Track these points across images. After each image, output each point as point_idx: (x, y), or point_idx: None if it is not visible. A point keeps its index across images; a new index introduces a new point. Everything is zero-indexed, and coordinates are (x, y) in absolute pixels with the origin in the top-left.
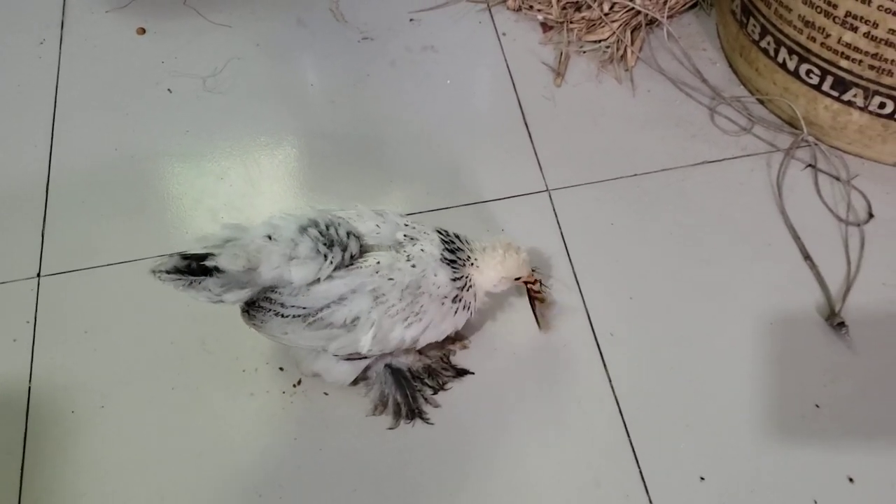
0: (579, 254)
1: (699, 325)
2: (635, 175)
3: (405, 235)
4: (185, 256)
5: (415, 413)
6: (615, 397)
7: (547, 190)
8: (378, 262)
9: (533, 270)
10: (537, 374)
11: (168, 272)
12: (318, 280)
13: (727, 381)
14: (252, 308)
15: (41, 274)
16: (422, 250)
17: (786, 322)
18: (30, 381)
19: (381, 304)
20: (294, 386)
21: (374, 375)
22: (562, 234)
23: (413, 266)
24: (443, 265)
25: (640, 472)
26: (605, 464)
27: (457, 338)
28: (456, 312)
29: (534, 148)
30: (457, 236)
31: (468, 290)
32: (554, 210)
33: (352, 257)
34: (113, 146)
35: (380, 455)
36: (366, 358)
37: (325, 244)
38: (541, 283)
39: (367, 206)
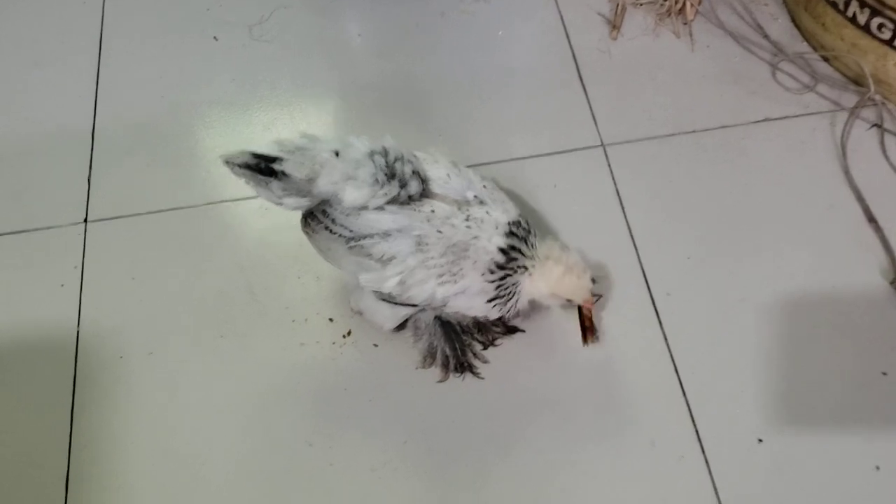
0: (635, 211)
1: (758, 286)
2: (694, 132)
3: (475, 196)
4: (256, 155)
5: (464, 367)
6: (671, 357)
7: (602, 145)
8: (433, 211)
9: (594, 296)
10: None
11: (239, 165)
12: (367, 207)
13: (787, 343)
14: (310, 216)
15: (88, 220)
16: (487, 213)
17: (848, 285)
18: (78, 326)
19: (421, 251)
20: (344, 337)
21: (422, 326)
22: (617, 190)
23: (468, 227)
24: (499, 247)
25: (697, 433)
26: (659, 424)
27: None
28: (493, 303)
29: (588, 102)
30: (529, 232)
31: (511, 298)
32: (609, 166)
33: (410, 198)
34: (158, 94)
35: (429, 408)
36: (406, 306)
37: (385, 174)
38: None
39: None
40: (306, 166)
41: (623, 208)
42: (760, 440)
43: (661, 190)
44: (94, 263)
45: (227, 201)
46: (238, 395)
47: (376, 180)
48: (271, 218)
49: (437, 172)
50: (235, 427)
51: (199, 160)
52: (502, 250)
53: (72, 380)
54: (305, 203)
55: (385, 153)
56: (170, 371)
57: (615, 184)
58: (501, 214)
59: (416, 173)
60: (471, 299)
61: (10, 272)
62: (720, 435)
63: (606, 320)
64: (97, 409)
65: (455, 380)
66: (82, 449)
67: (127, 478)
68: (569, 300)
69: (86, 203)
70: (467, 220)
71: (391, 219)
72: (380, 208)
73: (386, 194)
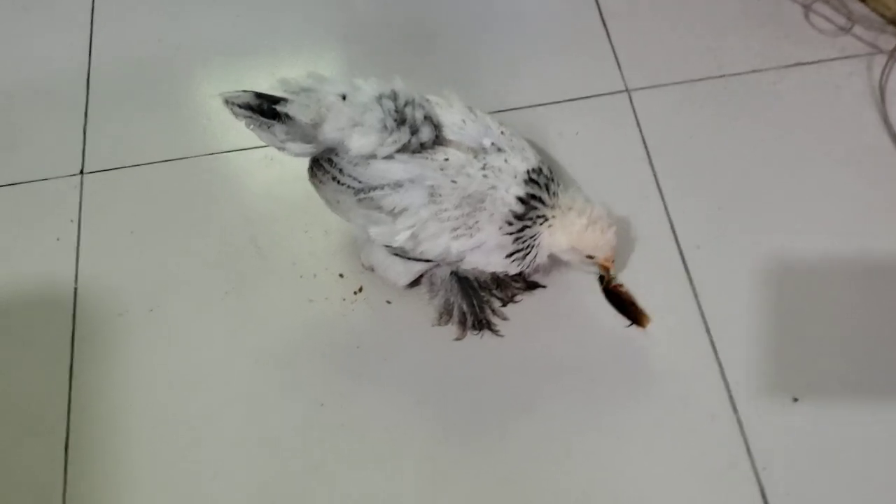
0: (662, 160)
1: (792, 238)
2: (723, 76)
3: (493, 143)
4: (258, 95)
5: (482, 324)
6: (701, 312)
7: (626, 90)
8: (446, 159)
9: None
10: None
11: (240, 106)
12: (376, 156)
13: (824, 298)
14: (316, 165)
15: (84, 171)
16: (505, 161)
17: (888, 236)
18: (76, 282)
19: (434, 203)
20: (355, 293)
21: (438, 282)
22: (643, 137)
23: (484, 176)
24: (518, 197)
25: (728, 391)
26: (689, 381)
27: None
28: (511, 258)
29: (611, 44)
30: (551, 180)
31: (530, 252)
32: (634, 112)
33: (422, 145)
34: (156, 37)
35: (446, 367)
36: (420, 261)
37: (395, 120)
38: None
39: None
40: (312, 109)
41: (649, 157)
42: (796, 399)
43: (689, 138)
44: (91, 217)
45: (230, 151)
46: (244, 353)
47: (385, 126)
48: (277, 168)
49: (452, 118)
50: (241, 387)
51: (200, 107)
52: (521, 200)
53: (70, 338)
54: (310, 150)
55: (394, 97)
56: (172, 329)
57: (640, 131)
58: (521, 162)
59: (428, 118)
60: (487, 255)
61: (3, 226)
62: (753, 394)
63: (633, 275)
64: (97, 368)
65: (473, 338)
66: (82, 410)
67: (128, 439)
68: (589, 256)
69: (82, 154)
70: (484, 168)
71: (402, 168)
72: (389, 157)
73: (395, 141)
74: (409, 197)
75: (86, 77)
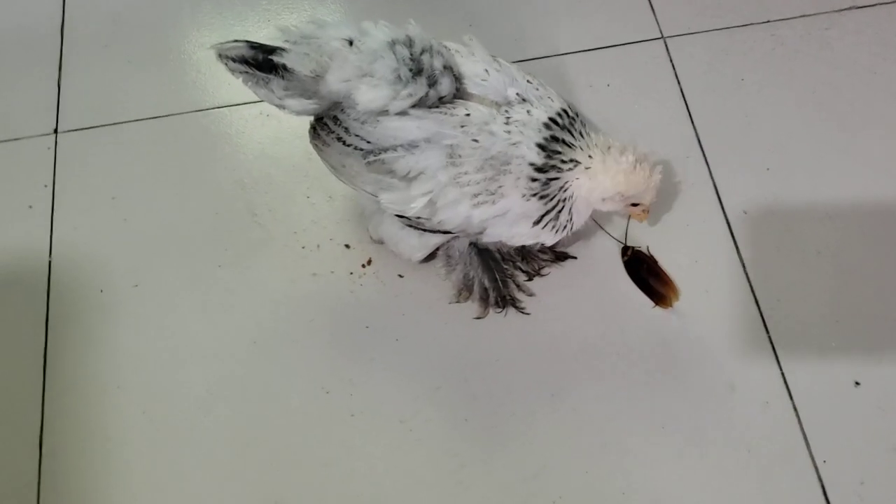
0: (704, 115)
1: (848, 201)
2: (769, 21)
3: (518, 94)
4: (253, 46)
5: (506, 300)
6: (751, 287)
7: (662, 37)
8: (468, 115)
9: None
10: (655, 258)
11: (234, 60)
12: (388, 112)
13: (885, 268)
14: (319, 125)
15: (58, 130)
16: (528, 113)
17: None
18: (50, 254)
19: (454, 165)
20: (363, 266)
21: (456, 255)
22: (681, 90)
23: (508, 133)
24: (536, 143)
25: (783, 376)
26: (740, 365)
27: None
28: (542, 224)
29: None
30: (576, 120)
31: (563, 209)
32: (671, 61)
33: (440, 99)
34: None
35: (467, 349)
36: (437, 233)
37: (410, 70)
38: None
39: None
40: (312, 59)
41: (689, 112)
42: (858, 383)
43: (732, 90)
44: (66, 181)
45: (222, 107)
46: (239, 333)
47: (399, 77)
48: (275, 126)
49: (474, 68)
50: (237, 371)
51: (188, 58)
52: (541, 147)
53: (44, 317)
54: (313, 106)
55: (410, 43)
56: (158, 306)
57: (679, 83)
58: (544, 112)
59: (447, 69)
60: (511, 225)
61: None
62: (810, 377)
63: (673, 243)
64: (74, 350)
65: (495, 316)
66: (58, 397)
67: (109, 429)
68: (634, 205)
69: (55, 110)
70: (507, 123)
71: (417, 125)
72: (403, 113)
73: (411, 95)
74: (425, 159)
75: (59, 25)
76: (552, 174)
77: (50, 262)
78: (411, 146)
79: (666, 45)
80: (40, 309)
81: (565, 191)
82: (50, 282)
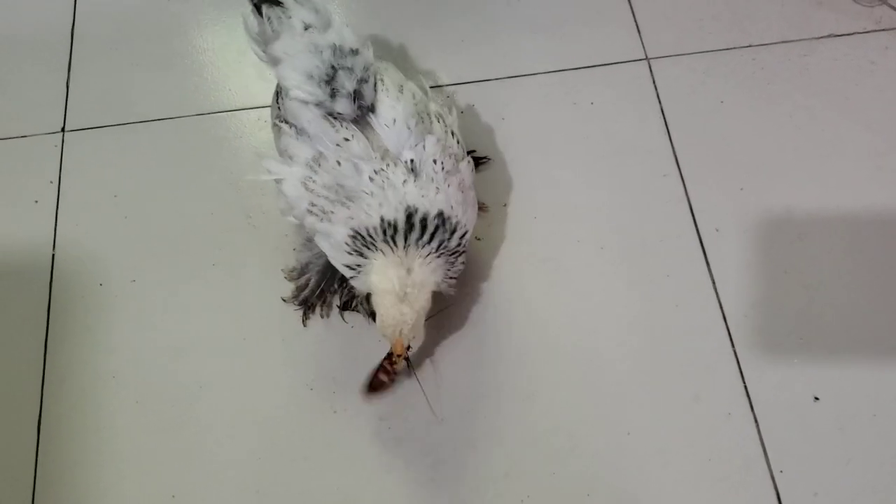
0: (682, 135)
1: (819, 223)
2: (750, 46)
3: (411, 161)
4: None
5: (309, 307)
6: (719, 303)
7: (646, 58)
8: (347, 140)
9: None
10: (628, 271)
11: None
12: (292, 96)
13: (850, 289)
14: (276, 99)
15: (66, 129)
16: (403, 182)
17: None
18: (53, 248)
19: (310, 169)
20: None
21: (315, 248)
22: (662, 110)
23: (371, 179)
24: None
25: (746, 388)
26: (705, 377)
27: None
28: (347, 268)
29: (631, 8)
30: (434, 232)
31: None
32: (654, 82)
33: (336, 114)
34: None
35: (444, 353)
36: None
37: (323, 75)
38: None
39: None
40: (279, 22)
41: (668, 131)
42: (817, 398)
43: (711, 111)
44: (71, 178)
45: (221, 112)
46: (231, 329)
47: (311, 75)
48: (271, 132)
49: (389, 111)
50: (227, 365)
51: (191, 64)
52: (381, 218)
53: (46, 309)
54: (263, 57)
55: (340, 54)
56: (155, 301)
57: (660, 103)
58: (420, 199)
59: (356, 94)
60: (333, 249)
61: None
62: (771, 391)
63: (646, 258)
64: (73, 341)
65: (475, 322)
66: (56, 386)
67: (106, 418)
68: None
69: (63, 110)
70: (377, 173)
71: (308, 119)
72: (304, 102)
73: (311, 94)
74: (299, 148)
75: (70, 29)
76: (359, 247)
77: (53, 256)
78: (300, 132)
79: (650, 66)
80: (42, 299)
81: (361, 267)
82: (52, 274)
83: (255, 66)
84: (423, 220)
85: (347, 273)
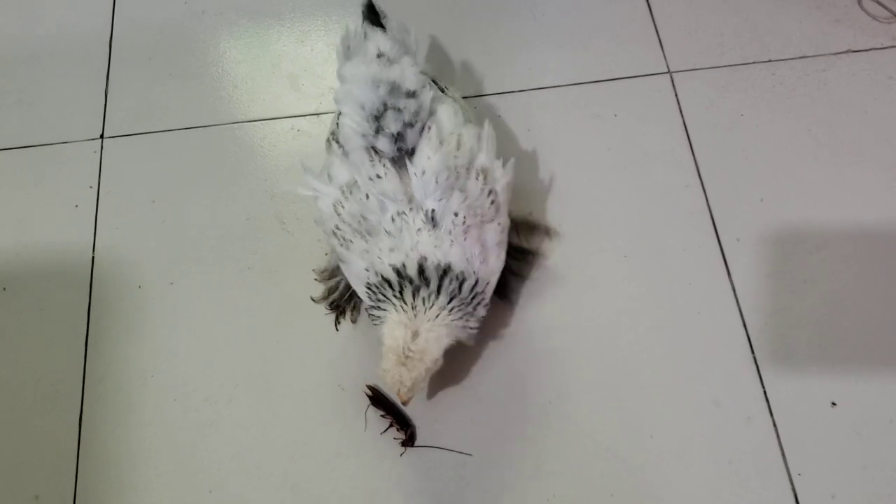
0: (704, 147)
1: (837, 234)
2: (770, 61)
3: (432, 211)
4: (370, 7)
5: (339, 310)
6: (739, 310)
7: (668, 72)
8: (379, 177)
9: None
10: (650, 279)
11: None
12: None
13: (867, 298)
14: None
15: (105, 135)
16: (418, 231)
17: None
18: (93, 251)
19: (342, 194)
20: None
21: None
22: (684, 122)
23: (392, 221)
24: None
25: (765, 394)
26: (725, 383)
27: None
28: (368, 299)
29: (654, 23)
30: (439, 288)
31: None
32: (676, 95)
33: (376, 148)
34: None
35: (473, 358)
36: None
37: (374, 110)
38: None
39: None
40: (357, 42)
41: (690, 144)
42: (834, 404)
43: (732, 124)
44: (110, 183)
45: (256, 121)
46: (264, 331)
47: (363, 107)
48: (304, 141)
49: (422, 161)
50: (259, 366)
51: (225, 74)
52: (378, 281)
53: (86, 309)
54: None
55: (396, 94)
56: (191, 303)
57: (682, 116)
58: (432, 249)
59: (398, 135)
60: (351, 277)
61: (20, 189)
62: (791, 397)
63: (669, 267)
64: (113, 341)
65: (502, 331)
66: (97, 383)
67: (143, 414)
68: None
69: (102, 117)
70: (399, 215)
71: (353, 145)
72: (353, 129)
73: (358, 124)
74: (340, 172)
75: (108, 39)
76: (375, 301)
77: (93, 258)
78: (344, 154)
79: (672, 80)
80: (83, 301)
81: (380, 315)
82: (93, 276)
83: (287, 76)
84: (434, 271)
85: (371, 308)
